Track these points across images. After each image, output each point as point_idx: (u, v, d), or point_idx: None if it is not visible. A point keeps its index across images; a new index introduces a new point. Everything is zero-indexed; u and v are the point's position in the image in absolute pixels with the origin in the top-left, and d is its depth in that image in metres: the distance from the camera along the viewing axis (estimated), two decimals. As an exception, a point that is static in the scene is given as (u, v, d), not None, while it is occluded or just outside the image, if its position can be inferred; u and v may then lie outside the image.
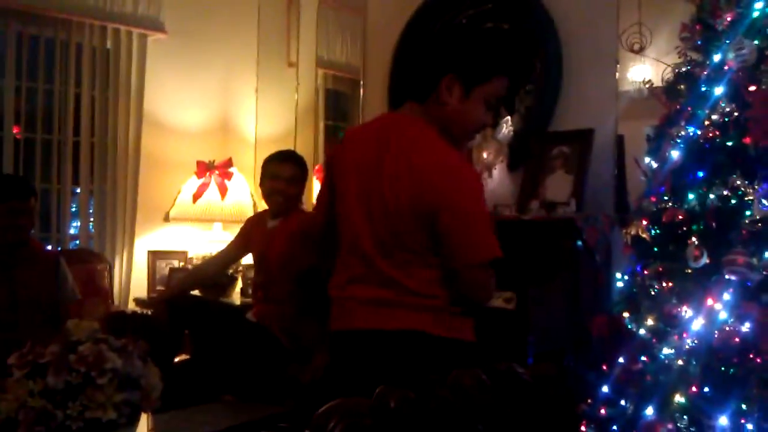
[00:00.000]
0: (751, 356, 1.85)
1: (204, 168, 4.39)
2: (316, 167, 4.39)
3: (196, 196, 4.33)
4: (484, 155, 3.44)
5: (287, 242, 3.10)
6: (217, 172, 4.39)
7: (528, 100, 3.55)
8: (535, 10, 3.50)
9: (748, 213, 2.16)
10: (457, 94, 1.91)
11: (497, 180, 3.45)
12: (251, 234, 3.38)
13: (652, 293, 2.21)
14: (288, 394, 2.84)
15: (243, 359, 2.95)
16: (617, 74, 3.30)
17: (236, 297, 4.11)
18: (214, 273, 3.60)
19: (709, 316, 1.98)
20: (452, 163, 1.90)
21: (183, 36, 4.57)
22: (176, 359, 3.19)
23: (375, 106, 4.19)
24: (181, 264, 4.41)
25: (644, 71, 3.49)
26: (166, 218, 4.44)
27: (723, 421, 1.80)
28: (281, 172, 3.24)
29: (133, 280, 4.33)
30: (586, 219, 3.04)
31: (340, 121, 4.81)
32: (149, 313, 3.42)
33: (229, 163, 4.44)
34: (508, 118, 3.46)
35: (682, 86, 2.48)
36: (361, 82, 4.34)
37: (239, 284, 4.16)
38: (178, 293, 3.37)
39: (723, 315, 1.94)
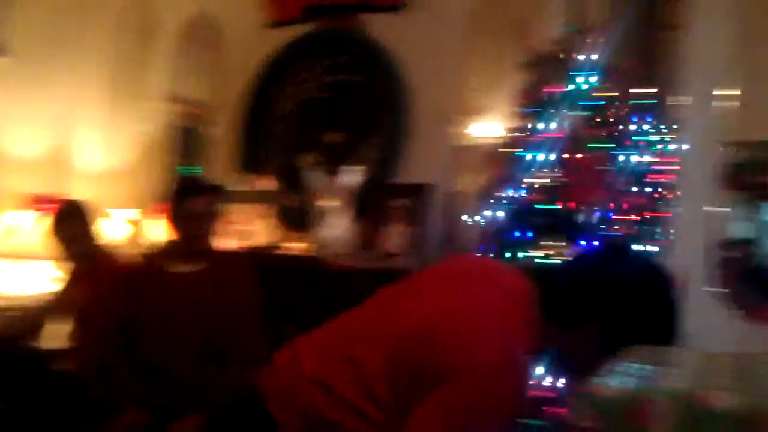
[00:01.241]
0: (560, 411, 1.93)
1: (42, 201, 4.12)
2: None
3: (28, 230, 4.05)
4: (328, 203, 3.44)
5: (90, 294, 2.71)
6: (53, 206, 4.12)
7: (374, 151, 3.62)
8: (387, 65, 3.60)
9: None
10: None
11: (339, 228, 3.45)
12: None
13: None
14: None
15: (51, 412, 2.72)
16: (457, 132, 3.44)
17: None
18: None
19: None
20: None
21: (28, 61, 4.30)
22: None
23: (223, 146, 4.13)
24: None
25: (484, 127, 3.65)
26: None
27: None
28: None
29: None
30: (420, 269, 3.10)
31: (191, 158, 4.68)
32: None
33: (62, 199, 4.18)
34: (355, 167, 3.50)
35: (511, 149, 2.61)
36: (212, 120, 4.26)
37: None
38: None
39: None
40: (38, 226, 3.98)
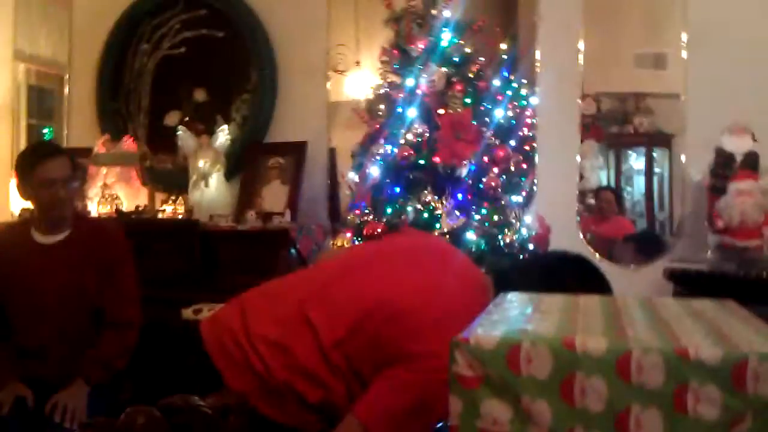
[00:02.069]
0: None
1: None
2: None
3: None
4: (200, 164, 3.37)
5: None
6: None
7: (244, 110, 3.56)
8: (249, 19, 3.52)
9: (437, 226, 2.40)
10: None
11: (213, 189, 3.40)
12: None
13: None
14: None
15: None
16: (329, 88, 3.44)
17: None
18: None
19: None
20: None
21: None
22: None
23: (82, 104, 3.93)
24: None
25: (359, 84, 3.68)
26: None
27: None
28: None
29: None
30: (300, 229, 3.13)
31: (45, 120, 4.42)
32: None
33: None
34: (225, 126, 3.44)
35: (381, 106, 2.66)
36: (67, 78, 4.03)
37: None
38: None
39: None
40: None
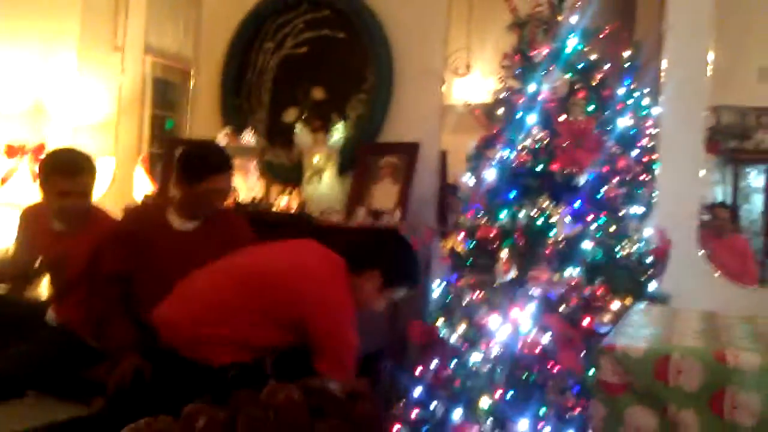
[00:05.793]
0: (550, 365, 2.03)
1: (14, 151, 4.07)
2: (141, 157, 4.23)
3: (4, 180, 4.01)
4: (315, 159, 3.47)
5: (91, 253, 2.71)
6: (28, 156, 4.08)
7: (359, 109, 3.64)
8: (369, 21, 3.60)
9: (552, 233, 2.38)
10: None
11: (326, 185, 3.49)
12: (34, 234, 2.91)
13: (465, 303, 2.36)
14: (94, 392, 2.70)
15: (45, 359, 2.76)
16: (443, 91, 3.48)
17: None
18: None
19: (514, 326, 2.15)
20: None
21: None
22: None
23: (205, 99, 4.10)
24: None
25: (470, 88, 3.70)
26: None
27: (523, 424, 1.97)
28: (72, 187, 2.70)
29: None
30: (409, 229, 3.17)
31: (168, 111, 4.65)
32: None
33: (42, 148, 4.14)
34: (340, 125, 3.53)
35: (500, 111, 2.66)
36: (192, 73, 4.22)
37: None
38: None
39: (526, 326, 2.12)
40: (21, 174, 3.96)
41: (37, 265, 3.22)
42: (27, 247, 2.98)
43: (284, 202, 3.47)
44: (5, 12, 4.24)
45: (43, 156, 3.32)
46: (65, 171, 2.68)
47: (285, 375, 1.89)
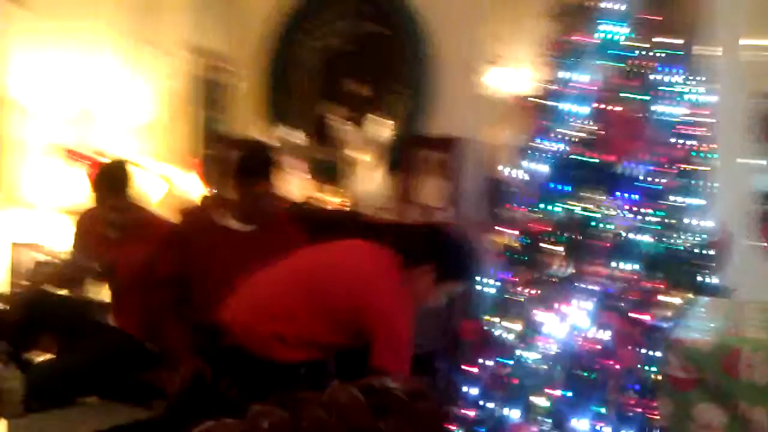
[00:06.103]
0: (610, 362, 1.99)
1: (75, 155, 4.15)
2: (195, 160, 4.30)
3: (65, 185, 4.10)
4: (362, 156, 3.48)
5: (145, 258, 2.79)
6: (87, 162, 4.16)
7: (406, 105, 3.63)
8: (412, 18, 3.60)
9: (610, 226, 2.33)
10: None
11: (374, 182, 3.49)
12: (89, 241, 3.04)
13: (520, 300, 2.33)
14: (154, 396, 2.75)
15: (106, 363, 2.83)
16: (486, 84, 3.45)
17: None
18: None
19: (572, 323, 2.11)
20: None
21: (46, 14, 4.26)
22: (39, 359, 3.01)
23: (247, 99, 4.14)
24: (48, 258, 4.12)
25: (502, 78, 3.63)
26: (29, 206, 4.13)
27: (583, 424, 1.93)
28: (119, 203, 2.88)
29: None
30: (461, 224, 3.15)
31: (215, 112, 4.70)
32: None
33: (100, 154, 4.21)
34: (388, 121, 3.53)
35: (549, 102, 2.60)
36: (236, 72, 4.27)
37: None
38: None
39: (585, 323, 2.08)
40: (73, 180, 4.03)
41: (97, 269, 3.30)
42: (84, 253, 3.06)
43: (335, 200, 3.49)
44: (50, 13, 4.30)
45: (99, 162, 3.40)
46: (113, 187, 2.85)
47: (346, 375, 1.90)
